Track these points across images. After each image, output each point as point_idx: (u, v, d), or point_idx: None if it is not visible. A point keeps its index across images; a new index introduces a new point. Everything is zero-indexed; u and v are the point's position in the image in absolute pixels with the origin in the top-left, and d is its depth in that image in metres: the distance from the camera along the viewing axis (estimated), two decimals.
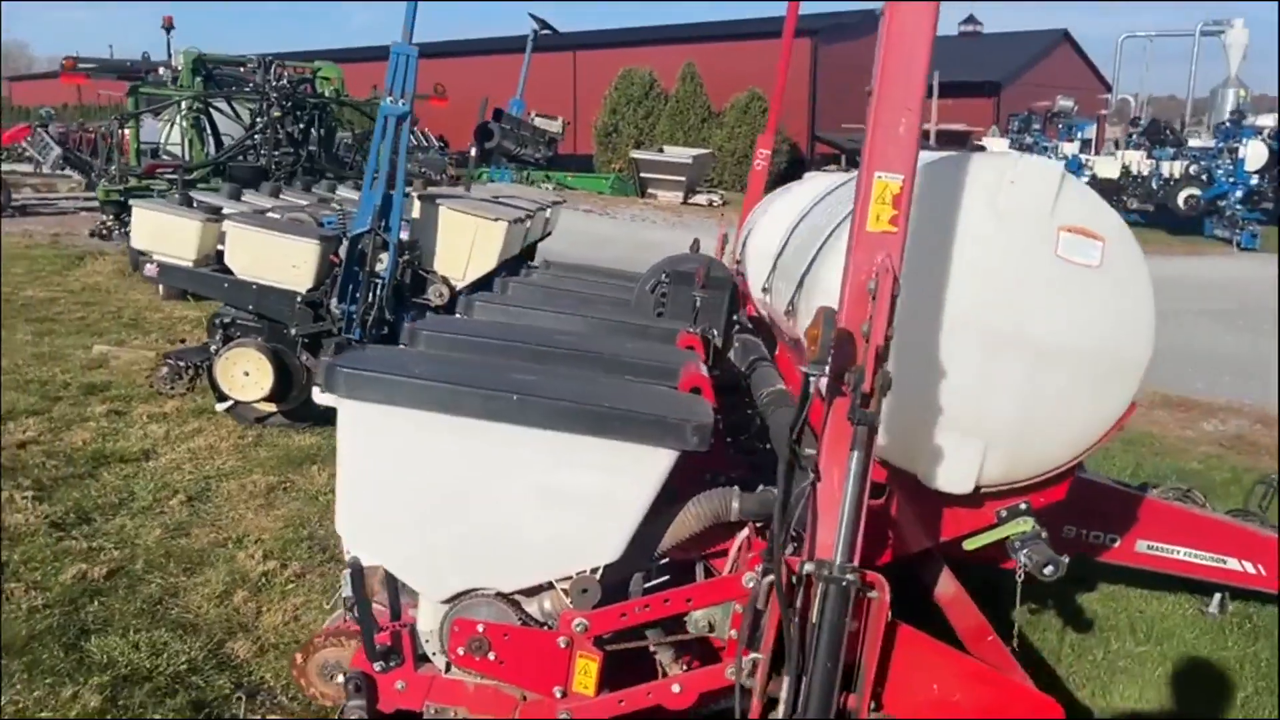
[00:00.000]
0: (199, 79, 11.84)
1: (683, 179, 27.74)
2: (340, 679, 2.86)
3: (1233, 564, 4.59)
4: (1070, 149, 23.58)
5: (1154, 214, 25.21)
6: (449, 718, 2.73)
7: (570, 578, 2.58)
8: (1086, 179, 23.10)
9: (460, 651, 2.59)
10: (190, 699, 3.75)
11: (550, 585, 2.65)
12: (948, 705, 2.46)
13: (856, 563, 2.31)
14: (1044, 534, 3.00)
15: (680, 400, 2.69)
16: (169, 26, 12.42)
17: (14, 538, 5.08)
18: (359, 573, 2.62)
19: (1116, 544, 4.57)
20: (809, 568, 2.30)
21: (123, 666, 3.97)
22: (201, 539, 5.26)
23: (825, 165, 40.49)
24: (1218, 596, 4.86)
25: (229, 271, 6.85)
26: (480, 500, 2.55)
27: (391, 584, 2.82)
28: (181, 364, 7.48)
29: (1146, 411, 9.40)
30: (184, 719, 3.64)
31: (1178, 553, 4.59)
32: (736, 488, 2.78)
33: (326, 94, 12.51)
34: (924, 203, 2.83)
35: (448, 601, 2.65)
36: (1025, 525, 3.02)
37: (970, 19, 53.89)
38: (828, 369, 2.21)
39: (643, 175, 29.82)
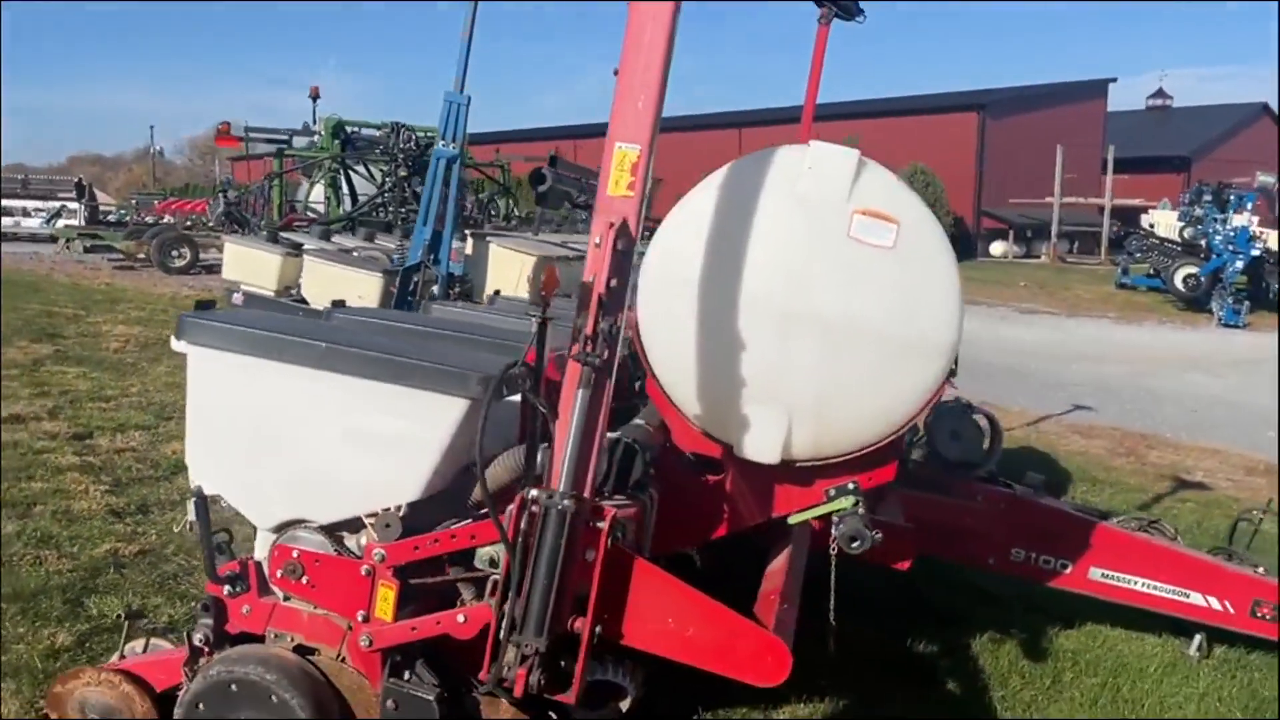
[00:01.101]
0: (337, 142, 12.95)
1: None
2: None
3: (1196, 598, 4.42)
4: (1240, 220, 22.36)
5: None
6: (286, 643, 3.05)
7: (377, 514, 2.88)
8: (1258, 251, 21.89)
9: (279, 574, 2.92)
10: None
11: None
12: (681, 638, 2.61)
13: (586, 494, 2.52)
14: (862, 511, 3.08)
15: (489, 359, 2.95)
16: (315, 96, 13.77)
17: (73, 519, 5.75)
18: (202, 500, 2.99)
19: (1068, 570, 4.48)
20: (533, 494, 2.53)
21: (109, 620, 4.47)
22: (240, 533, 5.79)
23: (993, 240, 39.72)
24: (1198, 637, 4.65)
25: (306, 302, 7.54)
26: (298, 439, 2.89)
27: None
28: None
29: (1244, 478, 8.91)
30: None
31: (1135, 583, 4.45)
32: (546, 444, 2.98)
33: None
34: (732, 191, 3.06)
35: (275, 530, 2.99)
36: (846, 502, 3.11)
37: (1159, 93, 51.88)
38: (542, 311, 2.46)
39: None
